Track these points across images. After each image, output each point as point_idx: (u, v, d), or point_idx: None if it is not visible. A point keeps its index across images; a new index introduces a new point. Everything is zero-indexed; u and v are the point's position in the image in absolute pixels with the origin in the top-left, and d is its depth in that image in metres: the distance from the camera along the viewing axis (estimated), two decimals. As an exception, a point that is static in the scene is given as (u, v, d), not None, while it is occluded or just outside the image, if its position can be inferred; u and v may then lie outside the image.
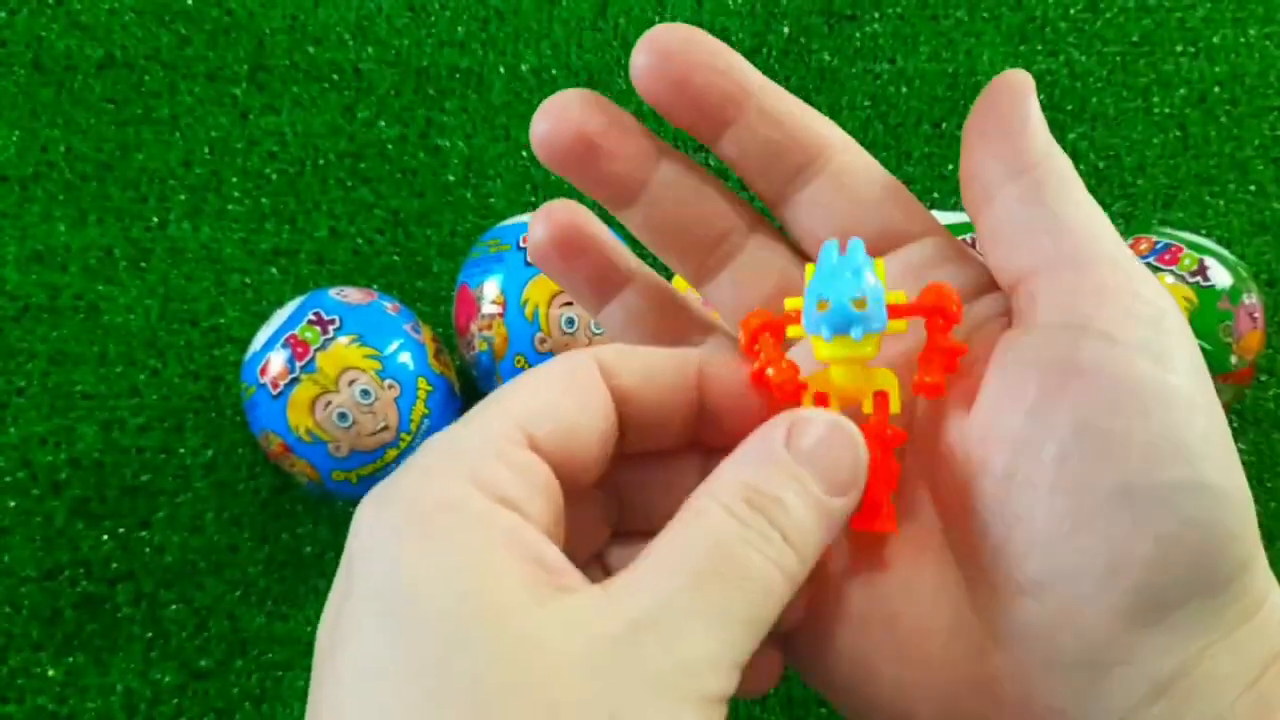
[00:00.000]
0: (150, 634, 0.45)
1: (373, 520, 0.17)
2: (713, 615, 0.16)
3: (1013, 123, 0.19)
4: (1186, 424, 0.17)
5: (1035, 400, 0.18)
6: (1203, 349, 0.41)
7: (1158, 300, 0.18)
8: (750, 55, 0.53)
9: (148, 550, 0.46)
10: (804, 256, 0.22)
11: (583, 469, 0.19)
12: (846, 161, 0.21)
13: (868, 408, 0.20)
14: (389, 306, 0.43)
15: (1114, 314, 0.18)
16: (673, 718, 0.15)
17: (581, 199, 0.23)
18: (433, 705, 0.15)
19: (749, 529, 0.17)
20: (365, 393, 0.40)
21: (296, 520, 0.47)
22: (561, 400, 0.19)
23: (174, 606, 0.45)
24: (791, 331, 0.20)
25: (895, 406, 0.20)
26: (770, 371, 0.20)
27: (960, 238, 0.42)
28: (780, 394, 0.20)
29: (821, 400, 0.20)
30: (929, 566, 0.19)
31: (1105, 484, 0.17)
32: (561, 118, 0.21)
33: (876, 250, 0.21)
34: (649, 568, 0.17)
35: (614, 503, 0.22)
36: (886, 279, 0.20)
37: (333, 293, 0.43)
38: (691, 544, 0.17)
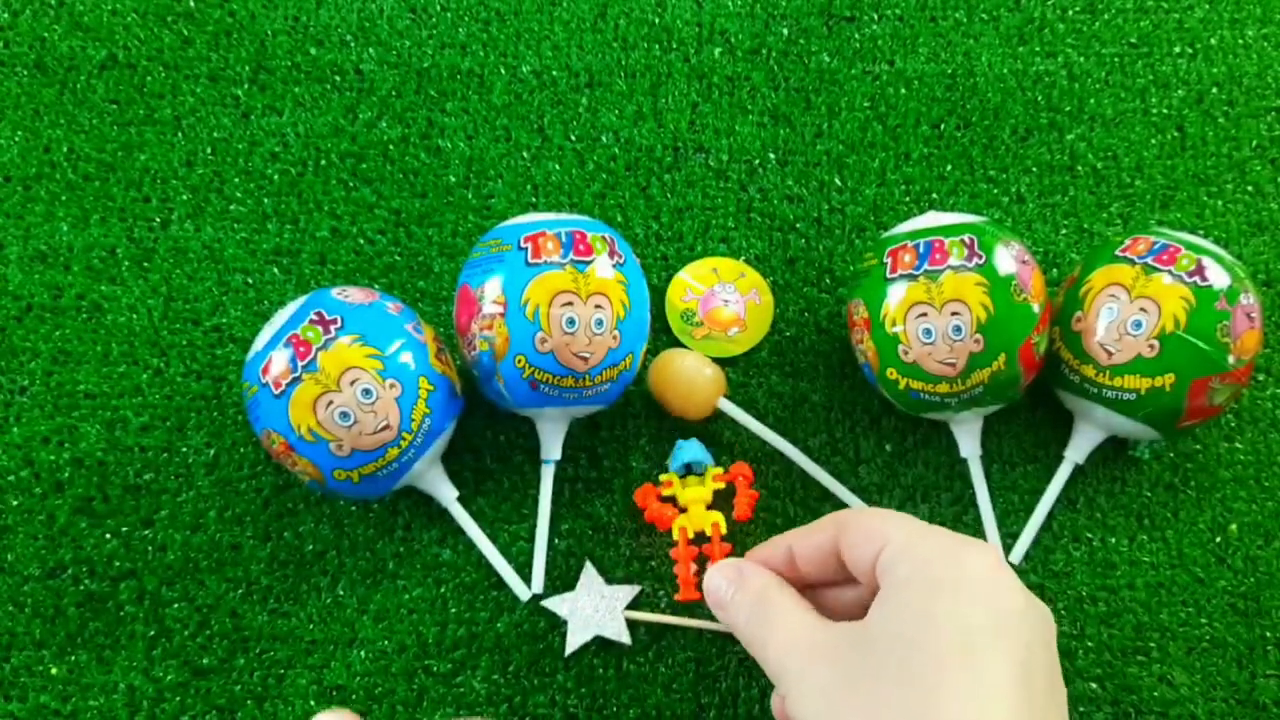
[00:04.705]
0: (153, 632, 0.45)
1: None
2: None
3: None
4: None
5: None
6: (1200, 349, 0.41)
7: None
8: (750, 56, 0.53)
9: (150, 549, 0.46)
10: None
11: None
12: None
13: (709, 530, 0.46)
14: (390, 306, 0.43)
15: None
16: None
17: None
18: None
19: None
20: (367, 392, 0.40)
21: (298, 519, 0.47)
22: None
23: (176, 605, 0.45)
24: (666, 491, 0.46)
25: (723, 528, 0.46)
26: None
27: (959, 237, 0.42)
28: (660, 523, 0.46)
29: (684, 532, 0.45)
30: None
31: None
32: None
33: None
34: None
35: None
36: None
37: (334, 293, 0.43)
38: None
